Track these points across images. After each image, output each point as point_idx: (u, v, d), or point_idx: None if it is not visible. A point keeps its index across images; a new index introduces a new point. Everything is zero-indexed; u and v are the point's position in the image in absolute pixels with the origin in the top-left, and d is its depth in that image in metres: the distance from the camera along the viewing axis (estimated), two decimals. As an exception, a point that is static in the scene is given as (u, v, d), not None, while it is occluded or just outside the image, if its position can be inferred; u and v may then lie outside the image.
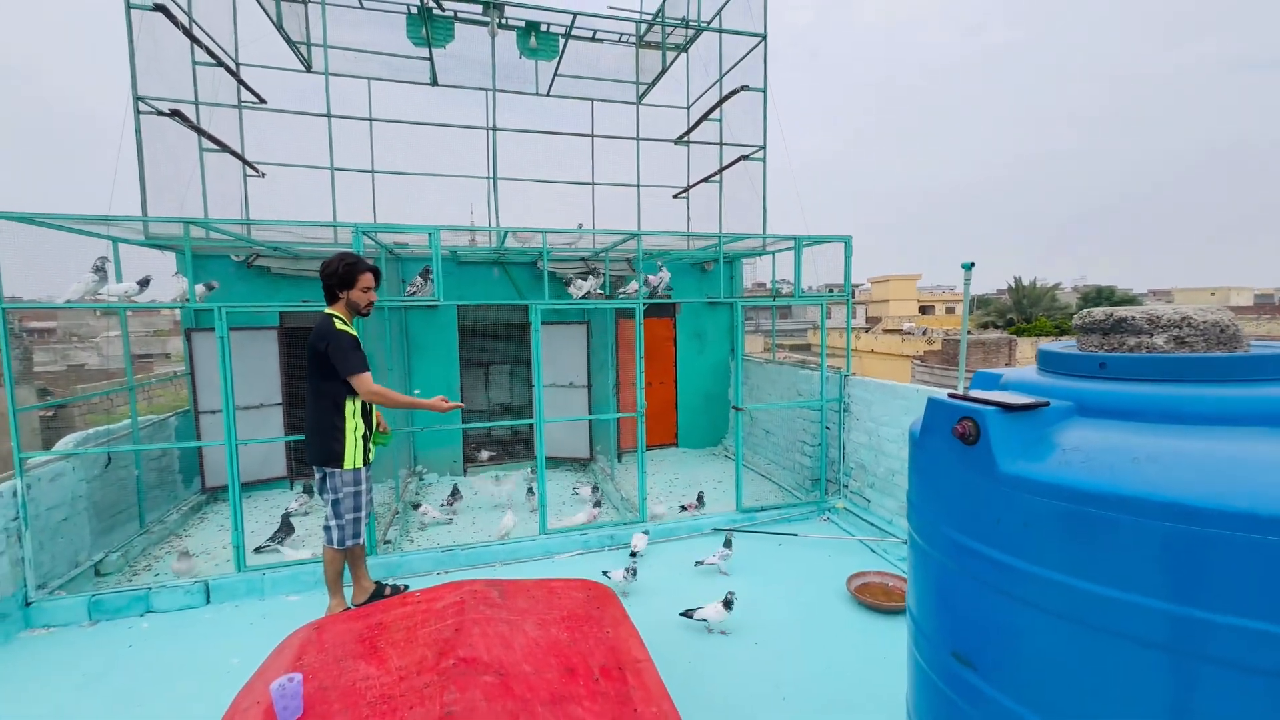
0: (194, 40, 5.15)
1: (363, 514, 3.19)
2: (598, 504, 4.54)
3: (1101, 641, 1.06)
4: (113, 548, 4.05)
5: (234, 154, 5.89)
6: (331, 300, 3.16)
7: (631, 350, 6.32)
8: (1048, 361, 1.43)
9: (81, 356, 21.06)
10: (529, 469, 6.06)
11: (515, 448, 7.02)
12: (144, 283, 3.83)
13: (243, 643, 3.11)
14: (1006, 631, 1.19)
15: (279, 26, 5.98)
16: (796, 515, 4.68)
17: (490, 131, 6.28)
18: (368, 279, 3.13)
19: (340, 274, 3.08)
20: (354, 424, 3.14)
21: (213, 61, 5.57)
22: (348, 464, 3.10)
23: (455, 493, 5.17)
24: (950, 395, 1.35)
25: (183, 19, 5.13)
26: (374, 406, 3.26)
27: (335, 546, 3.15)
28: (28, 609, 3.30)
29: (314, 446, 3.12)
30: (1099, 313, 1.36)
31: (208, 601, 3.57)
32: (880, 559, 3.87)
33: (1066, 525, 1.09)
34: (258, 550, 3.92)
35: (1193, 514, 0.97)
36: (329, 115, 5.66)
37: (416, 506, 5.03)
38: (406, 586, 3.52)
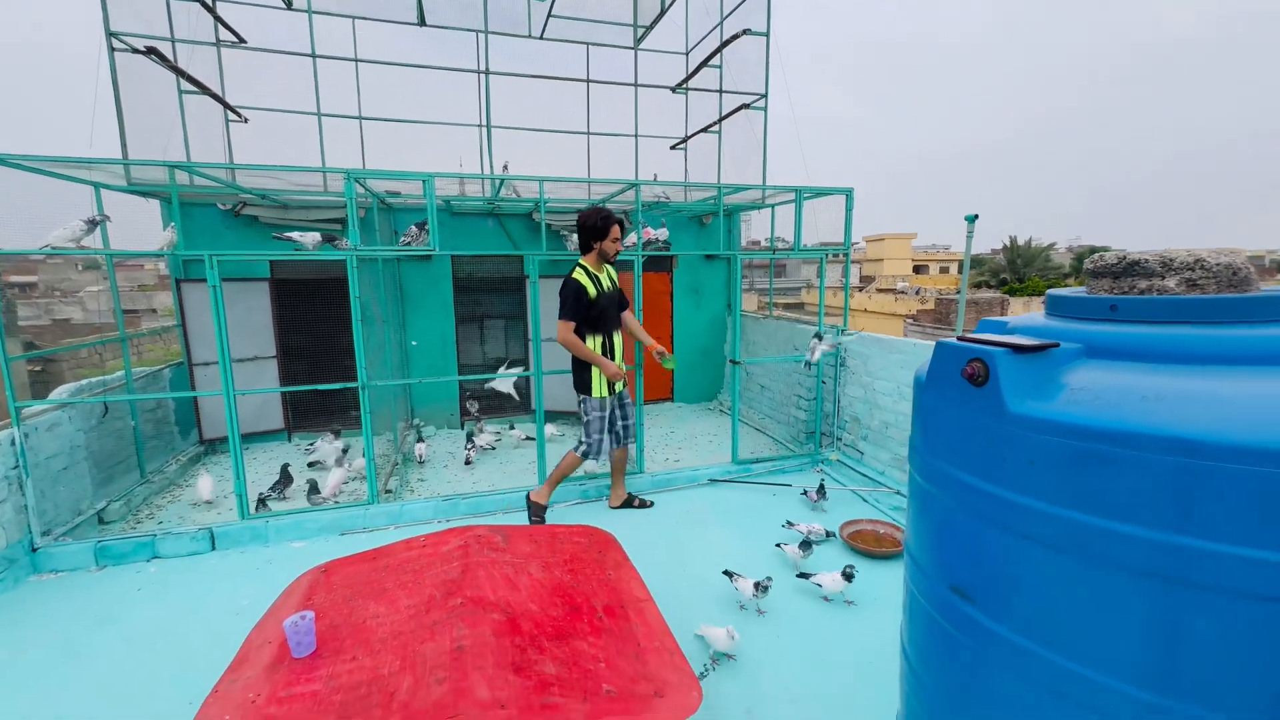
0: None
1: (606, 437, 3.77)
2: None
3: (1101, 573, 1.10)
4: (114, 497, 4.09)
5: (214, 96, 5.65)
6: (585, 250, 3.66)
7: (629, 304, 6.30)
8: (1056, 306, 1.43)
9: (66, 310, 20.71)
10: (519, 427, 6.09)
11: (512, 400, 7.05)
12: (92, 222, 3.61)
13: (250, 586, 3.18)
14: (1006, 565, 1.23)
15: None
16: (791, 467, 4.77)
17: (483, 75, 6.04)
18: (617, 230, 3.60)
19: (596, 226, 3.55)
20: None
21: (187, -6, 5.28)
22: (595, 393, 3.68)
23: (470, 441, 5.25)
24: (960, 338, 1.35)
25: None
26: (616, 342, 3.76)
27: (579, 456, 3.78)
28: (34, 555, 3.35)
29: (573, 376, 3.77)
30: (1110, 256, 1.35)
31: (213, 548, 3.63)
32: (872, 508, 3.97)
33: (1072, 462, 1.11)
34: (261, 500, 3.97)
35: (1195, 448, 0.99)
36: (314, 55, 5.42)
37: (421, 461, 5.09)
38: (652, 503, 4.09)
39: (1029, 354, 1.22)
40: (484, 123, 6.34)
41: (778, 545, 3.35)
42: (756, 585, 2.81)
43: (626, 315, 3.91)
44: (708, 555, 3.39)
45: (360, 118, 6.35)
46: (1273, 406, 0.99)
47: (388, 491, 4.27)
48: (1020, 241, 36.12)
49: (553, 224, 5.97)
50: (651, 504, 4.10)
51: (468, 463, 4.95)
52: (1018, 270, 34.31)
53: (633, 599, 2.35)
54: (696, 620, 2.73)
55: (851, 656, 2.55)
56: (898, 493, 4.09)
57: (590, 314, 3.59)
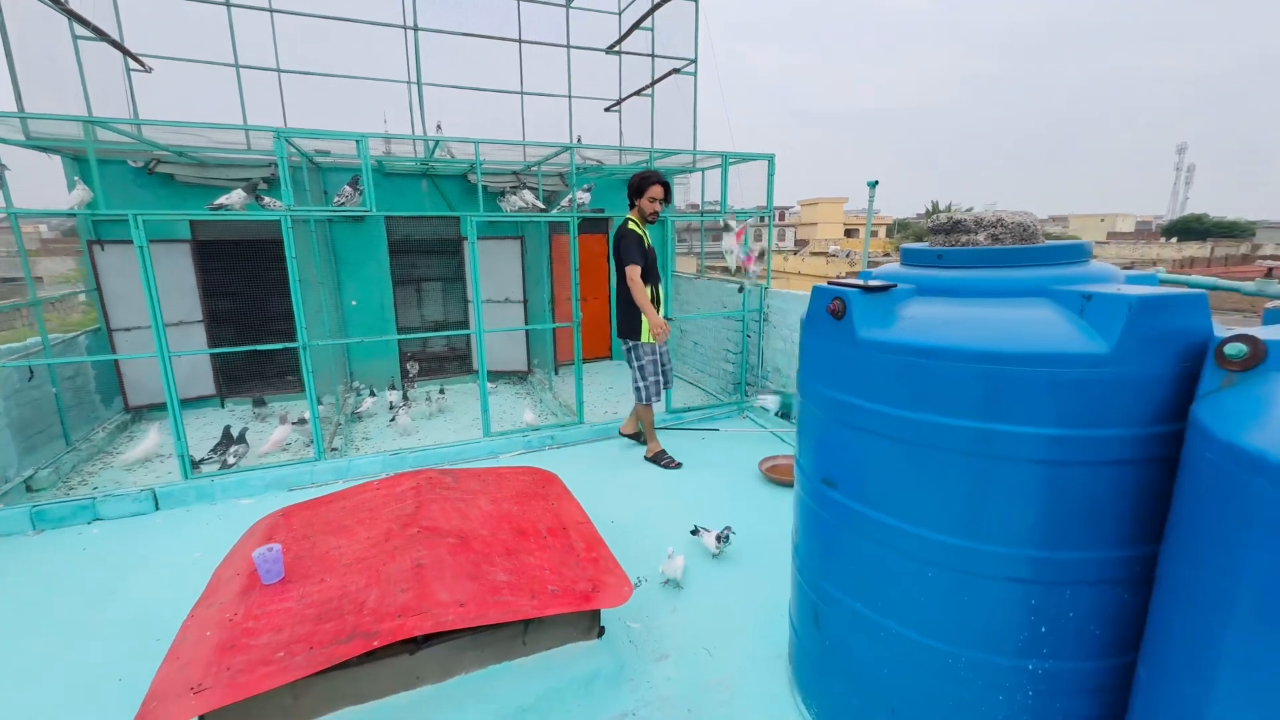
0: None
1: (661, 379, 4.05)
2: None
3: (925, 453, 1.47)
4: (41, 464, 4.00)
5: (114, 43, 5.28)
6: (630, 207, 3.94)
7: (564, 264, 6.46)
8: (906, 256, 1.79)
9: (-63, 278, 18.53)
10: (477, 382, 6.23)
11: (451, 364, 7.14)
12: None
13: (201, 540, 3.28)
14: (858, 455, 1.60)
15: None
16: (720, 414, 5.19)
17: (411, 31, 5.90)
18: (656, 190, 3.82)
19: (635, 185, 3.84)
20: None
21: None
22: (644, 338, 3.92)
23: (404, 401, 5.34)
24: (828, 283, 1.69)
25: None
26: (661, 294, 4.05)
27: (643, 402, 4.05)
28: (-37, 521, 3.30)
29: (621, 323, 4.02)
30: (943, 218, 1.71)
31: (157, 508, 3.67)
32: (788, 446, 4.45)
33: (901, 372, 1.47)
34: (200, 463, 3.99)
35: (983, 356, 1.36)
36: (228, 4, 5.14)
37: (358, 419, 5.18)
38: (681, 464, 4.11)
39: (875, 293, 1.57)
40: (414, 79, 6.22)
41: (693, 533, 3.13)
42: (719, 537, 2.89)
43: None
44: (650, 490, 3.75)
45: (278, 70, 6.08)
46: (1040, 325, 1.37)
47: (334, 449, 4.38)
48: (942, 206, 38.11)
49: (488, 185, 6.00)
50: (680, 465, 4.09)
51: (393, 421, 4.93)
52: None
53: (574, 522, 2.67)
54: (644, 541, 3.03)
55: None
56: (812, 433, 4.57)
57: (644, 264, 3.80)
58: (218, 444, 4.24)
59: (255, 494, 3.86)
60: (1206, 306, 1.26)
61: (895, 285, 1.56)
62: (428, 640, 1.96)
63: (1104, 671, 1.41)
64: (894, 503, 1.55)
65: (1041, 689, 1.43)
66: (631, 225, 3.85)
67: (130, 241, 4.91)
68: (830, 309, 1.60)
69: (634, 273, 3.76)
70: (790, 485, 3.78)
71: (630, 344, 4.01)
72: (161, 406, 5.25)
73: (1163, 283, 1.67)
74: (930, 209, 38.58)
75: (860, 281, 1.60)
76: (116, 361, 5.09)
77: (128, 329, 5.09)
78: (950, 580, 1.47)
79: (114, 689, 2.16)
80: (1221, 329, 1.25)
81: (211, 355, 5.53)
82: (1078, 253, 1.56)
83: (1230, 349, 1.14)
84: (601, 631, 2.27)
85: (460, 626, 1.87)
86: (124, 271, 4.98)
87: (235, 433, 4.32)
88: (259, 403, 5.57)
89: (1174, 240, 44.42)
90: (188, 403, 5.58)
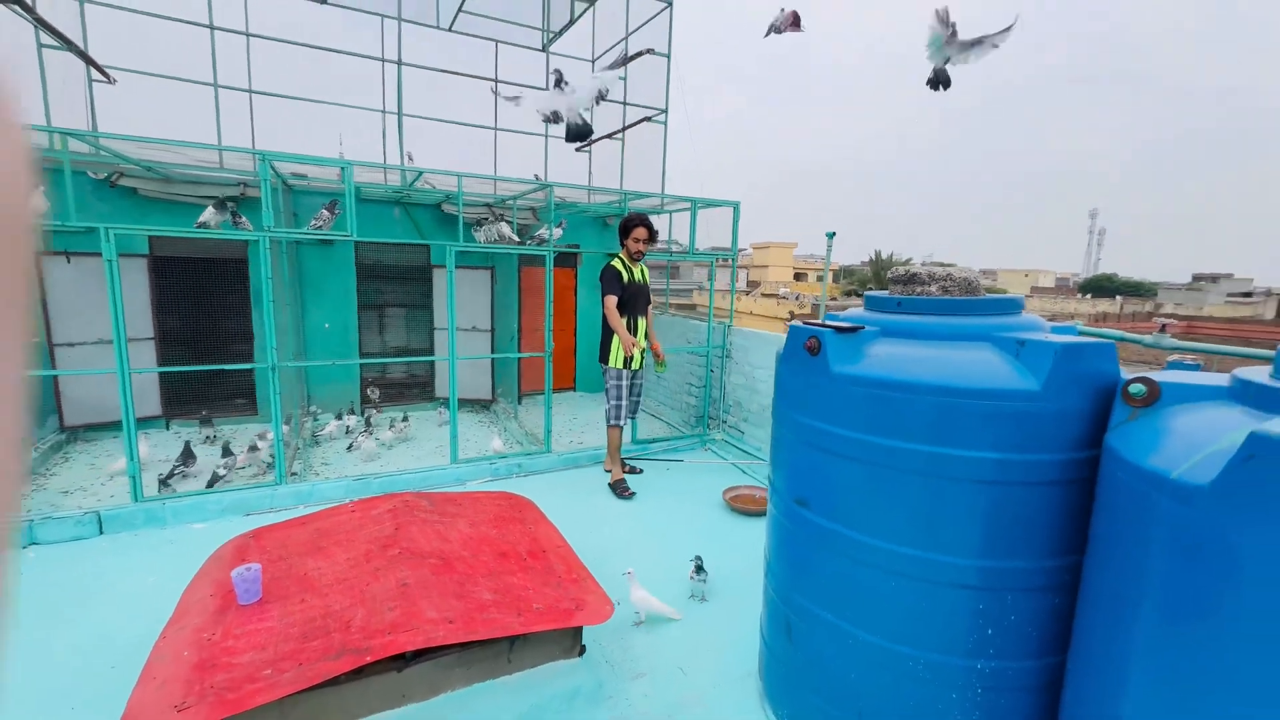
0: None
1: (623, 403, 4.28)
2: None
3: (887, 474, 1.67)
4: (-32, 485, 3.74)
5: (81, 54, 5.18)
6: (620, 245, 4.30)
7: (533, 296, 6.58)
8: (870, 303, 2.03)
9: None
10: (439, 409, 6.20)
11: (412, 390, 7.06)
12: None
13: (154, 564, 3.15)
14: (829, 477, 1.79)
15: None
16: (683, 446, 5.36)
17: (396, 65, 6.04)
18: (640, 232, 4.22)
19: (622, 226, 4.27)
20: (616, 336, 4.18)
21: (51, -60, 4.83)
22: (610, 362, 4.23)
23: (372, 425, 5.25)
24: (804, 323, 1.90)
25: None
26: (639, 325, 4.36)
27: (608, 423, 4.31)
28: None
29: (600, 350, 4.34)
30: (901, 271, 1.96)
31: (101, 532, 3.50)
32: (749, 477, 4.64)
33: (868, 402, 1.68)
34: (164, 481, 3.84)
35: (939, 390, 1.58)
36: (211, 28, 5.16)
37: (316, 443, 5.08)
38: (634, 494, 4.28)
39: (846, 334, 1.78)
40: (390, 109, 6.33)
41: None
42: (696, 569, 2.91)
43: (649, 310, 4.49)
44: (618, 518, 3.84)
45: (250, 91, 6.07)
46: (983, 365, 1.61)
47: (293, 474, 4.27)
48: (885, 255, 40.40)
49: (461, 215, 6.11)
50: (633, 494, 4.24)
51: (349, 449, 4.87)
52: (881, 280, 38.36)
53: (552, 545, 2.74)
54: (614, 565, 3.11)
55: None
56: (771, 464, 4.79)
57: (622, 296, 4.17)
58: (177, 460, 4.09)
59: (210, 518, 3.73)
60: (1115, 354, 1.53)
61: (863, 327, 1.78)
62: (416, 658, 1.99)
63: (1041, 670, 1.62)
64: (862, 519, 1.74)
65: (989, 685, 1.61)
66: (615, 262, 4.25)
67: (85, 254, 4.77)
68: (807, 346, 1.80)
69: (610, 301, 4.16)
70: (752, 514, 3.96)
71: (603, 368, 4.34)
72: (101, 426, 4.99)
73: (1081, 333, 1.96)
74: (874, 257, 40.82)
75: (833, 323, 1.82)
76: (55, 378, 4.84)
77: (71, 344, 4.85)
78: (912, 589, 1.66)
79: (68, 718, 2.06)
80: (1125, 373, 1.52)
81: (160, 375, 5.32)
82: (1013, 305, 1.83)
83: (1133, 388, 1.39)
84: (583, 650, 2.34)
85: (450, 642, 1.92)
86: (72, 284, 4.79)
87: (195, 451, 4.19)
88: (206, 423, 5.38)
89: (1089, 296, 48.46)
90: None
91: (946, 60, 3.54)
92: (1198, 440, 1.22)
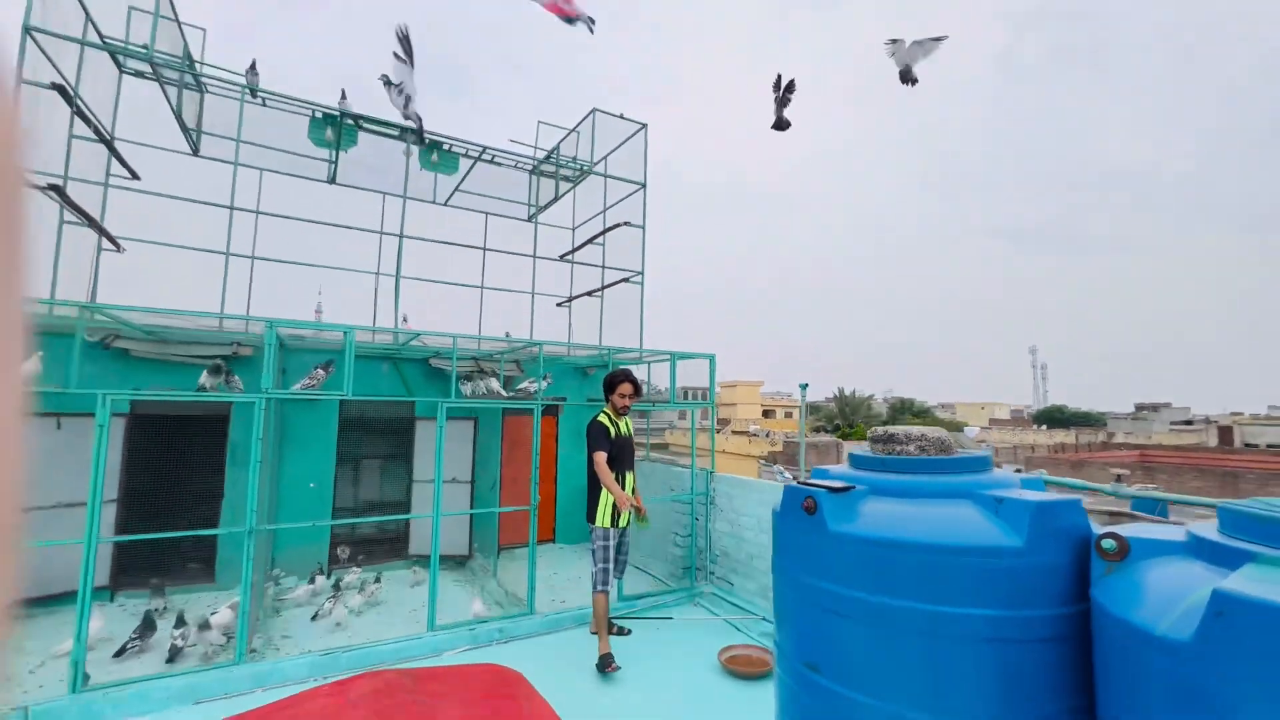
0: (83, 118, 5.03)
1: (611, 565, 4.12)
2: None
3: (886, 633, 1.71)
4: (-123, 680, 3.33)
5: (99, 229, 5.57)
6: (606, 400, 4.37)
7: (517, 447, 6.62)
8: (855, 461, 2.19)
9: None
10: (413, 568, 5.90)
11: (382, 547, 6.73)
12: None
13: (86, 771, 2.77)
14: (836, 638, 1.81)
15: (178, 115, 5.99)
16: (671, 601, 5.14)
17: (397, 238, 6.63)
18: (625, 388, 4.31)
19: (608, 383, 4.38)
20: (605, 494, 4.08)
21: (93, 137, 5.41)
22: (597, 522, 4.10)
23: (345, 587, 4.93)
24: (799, 483, 2.03)
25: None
26: (628, 480, 4.31)
27: (593, 589, 4.08)
28: None
29: (587, 508, 4.20)
30: (880, 431, 2.16)
31: (27, 732, 3.09)
32: (744, 635, 4.44)
33: (865, 560, 1.76)
34: (118, 655, 3.49)
35: (928, 548, 1.69)
36: (231, 208, 5.67)
37: (277, 612, 4.72)
38: (630, 631, 4.44)
39: (840, 493, 1.92)
40: (396, 274, 6.81)
41: None
42: None
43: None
44: (610, 689, 3.58)
45: (252, 257, 6.51)
46: (967, 523, 1.74)
47: (253, 650, 3.93)
48: (848, 392, 42.04)
49: (448, 369, 6.34)
50: (629, 631, 4.46)
51: (314, 618, 4.55)
52: (847, 417, 39.54)
53: (548, 725, 2.55)
54: None
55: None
56: (764, 619, 4.62)
57: (611, 451, 4.16)
58: (135, 631, 3.76)
59: (155, 709, 3.35)
60: (1082, 508, 1.68)
61: (855, 487, 1.92)
62: None
63: None
64: (872, 682, 1.74)
65: None
66: (601, 417, 4.27)
67: (71, 414, 4.72)
68: (805, 506, 1.92)
69: (600, 456, 4.11)
70: (751, 676, 3.75)
71: (591, 528, 4.18)
72: (42, 601, 4.59)
73: (1048, 484, 2.14)
74: (839, 394, 42.43)
75: (829, 482, 1.96)
76: None
77: (30, 509, 4.61)
78: (932, 760, 1.62)
79: None
80: (1097, 526, 1.66)
81: (114, 542, 5.02)
82: (984, 463, 2.01)
83: (1105, 544, 1.53)
84: None
85: None
86: (39, 446, 4.68)
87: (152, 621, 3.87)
88: (158, 593, 4.97)
89: (1044, 427, 50.49)
90: (69, 596, 4.89)
91: (906, 64, 5.01)
92: (1172, 594, 1.34)
